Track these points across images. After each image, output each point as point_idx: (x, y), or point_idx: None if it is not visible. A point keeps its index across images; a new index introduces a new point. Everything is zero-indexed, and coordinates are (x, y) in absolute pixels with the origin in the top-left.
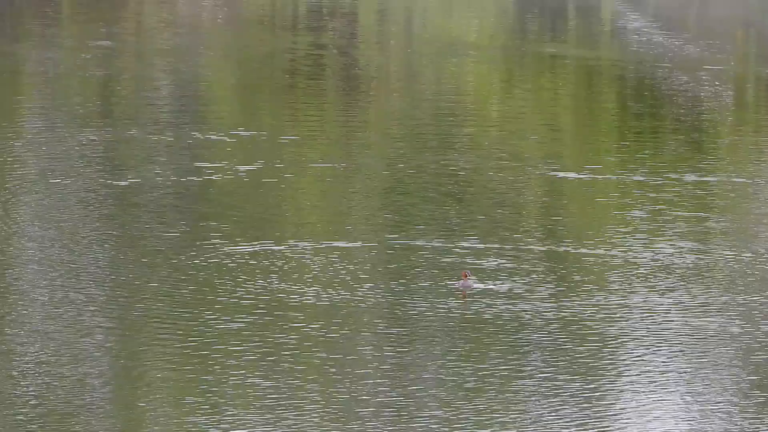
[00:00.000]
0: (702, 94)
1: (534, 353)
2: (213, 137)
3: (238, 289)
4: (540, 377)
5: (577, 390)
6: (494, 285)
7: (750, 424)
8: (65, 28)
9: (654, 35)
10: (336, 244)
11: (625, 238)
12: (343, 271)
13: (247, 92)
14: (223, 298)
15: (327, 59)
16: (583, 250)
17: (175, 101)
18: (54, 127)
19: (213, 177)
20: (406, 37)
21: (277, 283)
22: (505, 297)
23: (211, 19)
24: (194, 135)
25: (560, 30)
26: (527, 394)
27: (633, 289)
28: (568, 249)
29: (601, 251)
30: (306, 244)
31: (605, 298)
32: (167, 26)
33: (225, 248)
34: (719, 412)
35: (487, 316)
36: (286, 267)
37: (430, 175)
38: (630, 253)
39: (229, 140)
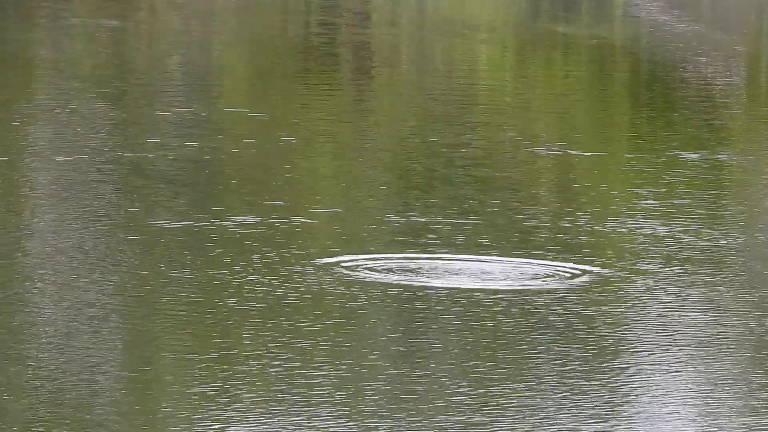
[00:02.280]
0: (716, 75)
1: (543, 339)
2: (224, 113)
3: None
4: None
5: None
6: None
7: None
8: (76, 8)
9: (668, 18)
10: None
11: (640, 222)
12: (356, 247)
13: (258, 72)
14: (237, 279)
15: (338, 39)
16: (599, 228)
17: (186, 78)
18: (67, 104)
19: (222, 151)
20: (419, 17)
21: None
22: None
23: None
24: (205, 111)
25: (573, 11)
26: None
27: (646, 272)
28: (579, 226)
29: (616, 233)
30: (314, 221)
31: (618, 281)
32: (179, 8)
33: (235, 227)
34: (733, 411)
35: (496, 302)
36: (298, 243)
37: (440, 153)
38: (642, 234)
39: (238, 117)
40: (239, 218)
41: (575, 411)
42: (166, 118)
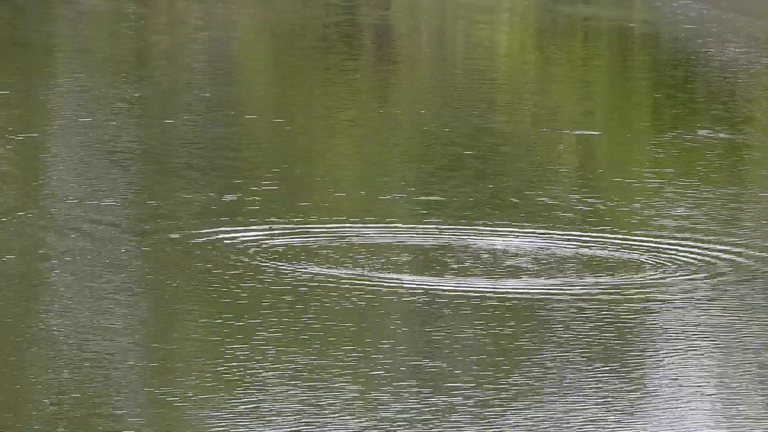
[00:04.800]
0: (737, 59)
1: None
2: (245, 94)
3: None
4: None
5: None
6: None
7: None
8: None
9: (689, 1)
10: (371, 206)
11: (662, 204)
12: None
13: (278, 56)
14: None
15: (358, 22)
16: (621, 210)
17: (206, 62)
18: (89, 86)
19: (241, 136)
20: (440, 0)
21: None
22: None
23: None
24: (224, 95)
25: None
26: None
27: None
28: (601, 207)
29: (639, 215)
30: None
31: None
32: None
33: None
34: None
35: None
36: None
37: (461, 136)
38: (666, 216)
39: (260, 99)
40: (260, 202)
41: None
42: (186, 102)
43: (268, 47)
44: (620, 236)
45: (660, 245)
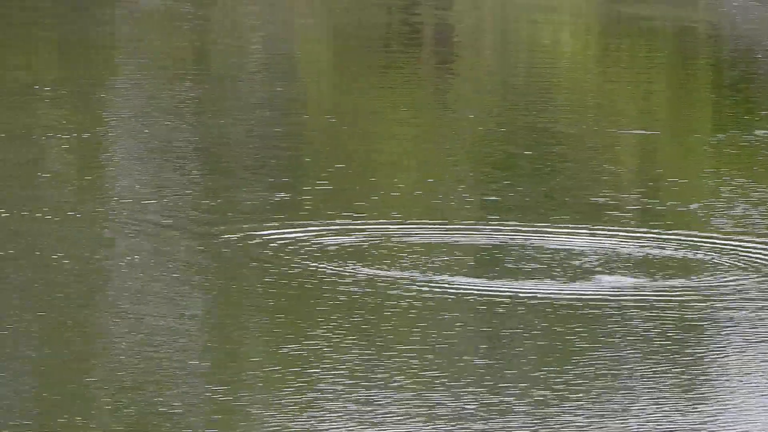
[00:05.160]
0: None
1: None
2: (301, 94)
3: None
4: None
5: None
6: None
7: None
8: None
9: (753, 1)
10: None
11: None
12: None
13: (336, 56)
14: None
15: (419, 21)
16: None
17: (268, 58)
18: (146, 85)
19: (303, 136)
20: (502, 1)
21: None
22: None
23: None
24: (284, 89)
25: None
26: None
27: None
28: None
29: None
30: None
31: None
32: None
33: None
34: None
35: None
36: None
37: (520, 134)
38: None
39: (319, 97)
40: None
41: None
42: (243, 102)
43: (326, 46)
44: (680, 236)
45: (720, 245)
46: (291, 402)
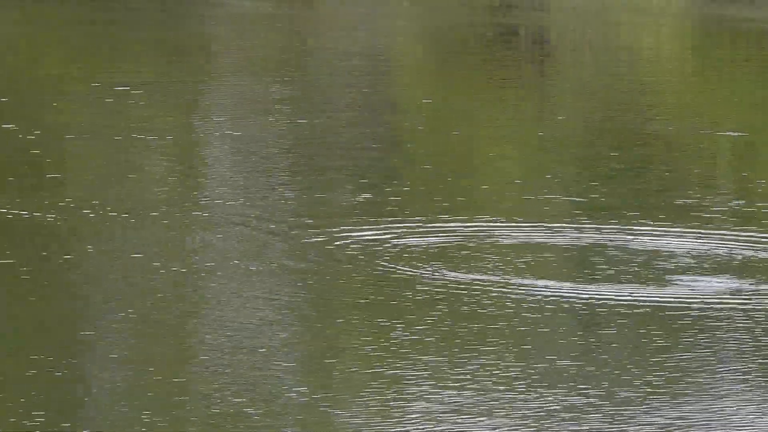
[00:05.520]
0: None
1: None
2: (397, 94)
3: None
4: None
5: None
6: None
7: None
8: None
9: None
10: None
11: None
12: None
13: (429, 58)
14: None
15: (516, 24)
16: None
17: (366, 62)
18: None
19: (399, 140)
20: (598, 2)
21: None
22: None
23: None
24: (377, 90)
25: None
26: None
27: None
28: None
29: None
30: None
31: None
32: None
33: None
34: None
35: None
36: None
37: (621, 138)
38: None
39: (419, 103)
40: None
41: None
42: (338, 103)
43: (419, 48)
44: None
45: None
46: (376, 402)
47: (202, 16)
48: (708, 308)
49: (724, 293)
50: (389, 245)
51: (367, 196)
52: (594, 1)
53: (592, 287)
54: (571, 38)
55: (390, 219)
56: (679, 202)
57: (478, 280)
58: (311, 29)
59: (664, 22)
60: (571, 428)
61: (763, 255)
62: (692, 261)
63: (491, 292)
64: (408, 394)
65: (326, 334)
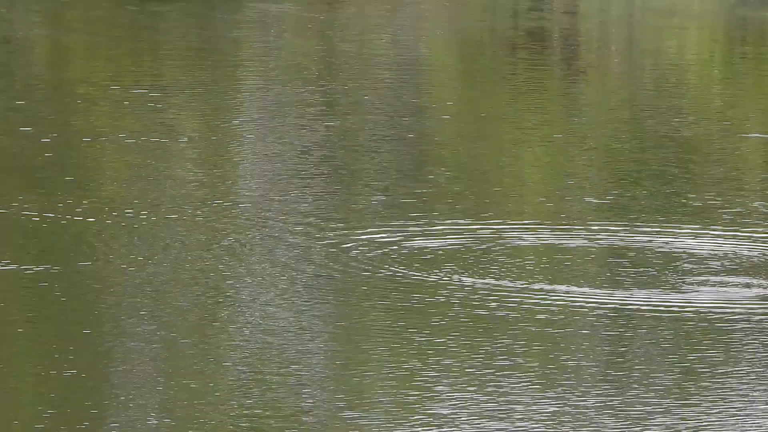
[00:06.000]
0: None
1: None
2: (429, 96)
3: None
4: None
5: None
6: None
7: None
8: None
9: None
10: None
11: None
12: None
13: (464, 63)
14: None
15: (546, 28)
16: None
17: (393, 65)
18: (270, 86)
19: (427, 143)
20: (628, 5)
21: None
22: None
23: None
24: (409, 93)
25: None
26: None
27: None
28: None
29: None
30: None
31: None
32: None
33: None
34: None
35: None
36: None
37: (650, 141)
38: None
39: (445, 106)
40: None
41: None
42: (371, 106)
43: (452, 50)
44: None
45: None
46: (397, 406)
47: (226, 19)
48: (731, 312)
49: (749, 297)
50: (410, 248)
51: (390, 198)
52: (622, 3)
53: (614, 291)
54: (599, 41)
55: (411, 221)
56: (702, 204)
57: (498, 285)
58: (336, 31)
59: (692, 25)
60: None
61: None
62: (715, 264)
63: (510, 296)
64: (428, 397)
65: (346, 339)
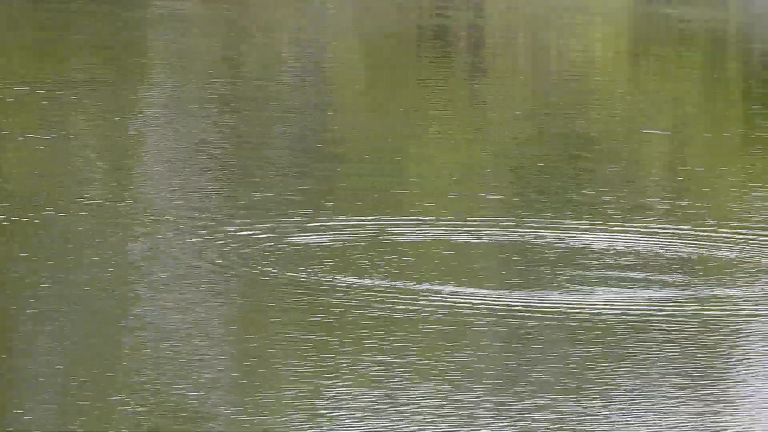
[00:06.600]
0: None
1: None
2: (327, 100)
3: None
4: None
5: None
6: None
7: None
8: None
9: None
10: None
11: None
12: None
13: (370, 60)
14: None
15: (451, 25)
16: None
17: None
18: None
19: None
20: (534, 2)
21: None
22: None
23: None
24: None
25: None
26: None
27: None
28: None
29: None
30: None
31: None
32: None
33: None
34: None
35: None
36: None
37: (552, 139)
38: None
39: (344, 104)
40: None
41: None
42: (282, 108)
43: (357, 51)
44: (706, 235)
45: (744, 243)
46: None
47: (129, 16)
48: (635, 312)
49: (652, 295)
50: (294, 244)
51: (279, 194)
52: (530, 1)
53: (505, 290)
54: (505, 38)
55: (297, 217)
56: (598, 201)
57: (378, 284)
58: (243, 30)
59: (598, 22)
60: None
61: (687, 253)
62: (610, 261)
63: (391, 295)
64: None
65: (240, 339)
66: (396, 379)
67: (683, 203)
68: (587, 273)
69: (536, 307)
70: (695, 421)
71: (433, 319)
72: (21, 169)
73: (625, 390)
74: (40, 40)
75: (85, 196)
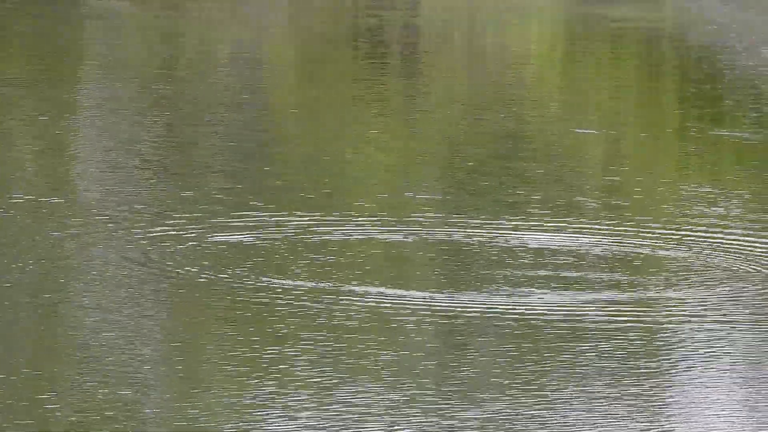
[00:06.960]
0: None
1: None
2: (268, 93)
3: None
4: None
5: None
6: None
7: None
8: None
9: (716, 3)
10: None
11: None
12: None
13: (305, 59)
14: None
15: (387, 24)
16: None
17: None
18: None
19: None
20: (470, 1)
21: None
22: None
23: None
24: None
25: None
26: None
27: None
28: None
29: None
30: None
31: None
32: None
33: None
34: None
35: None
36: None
37: (486, 138)
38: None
39: (279, 103)
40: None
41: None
42: (214, 108)
43: (292, 48)
44: (642, 235)
45: (682, 243)
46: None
47: (62, 14)
48: (568, 312)
49: (586, 294)
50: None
51: (202, 194)
52: (466, 1)
53: (446, 291)
54: (439, 38)
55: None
56: (532, 200)
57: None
58: (177, 30)
59: (534, 21)
60: None
61: (623, 252)
62: (546, 260)
63: (330, 294)
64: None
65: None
66: (322, 379)
67: (618, 202)
68: (519, 273)
69: (465, 307)
70: (629, 422)
71: (358, 319)
72: None
73: (557, 390)
74: None
75: (15, 195)
